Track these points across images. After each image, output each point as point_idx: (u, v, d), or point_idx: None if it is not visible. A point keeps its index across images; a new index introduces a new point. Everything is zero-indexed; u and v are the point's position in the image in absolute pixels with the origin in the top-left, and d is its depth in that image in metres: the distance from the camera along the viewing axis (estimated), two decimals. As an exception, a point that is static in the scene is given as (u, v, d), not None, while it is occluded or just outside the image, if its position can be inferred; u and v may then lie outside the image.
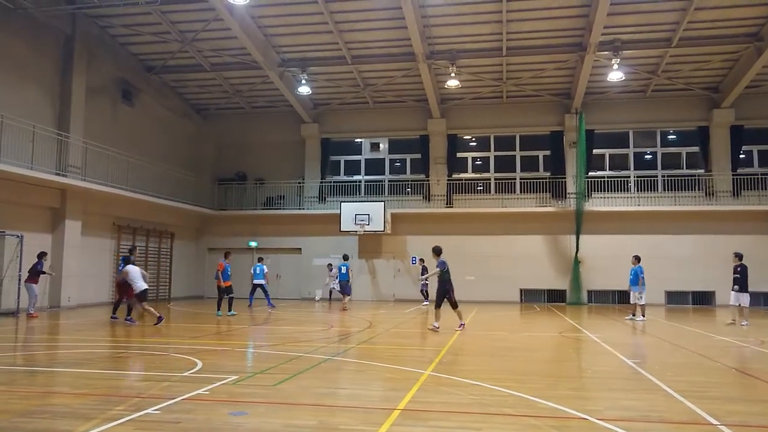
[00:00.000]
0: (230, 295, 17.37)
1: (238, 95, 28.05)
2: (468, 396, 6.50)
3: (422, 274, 23.33)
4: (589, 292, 25.72)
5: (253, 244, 28.07)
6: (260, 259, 21.80)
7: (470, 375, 7.70)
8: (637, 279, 16.85)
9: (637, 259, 17.15)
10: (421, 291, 23.66)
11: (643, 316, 16.98)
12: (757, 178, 25.23)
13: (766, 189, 25.07)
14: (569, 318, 18.16)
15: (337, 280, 22.01)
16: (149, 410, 5.61)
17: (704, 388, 7.14)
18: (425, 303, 23.17)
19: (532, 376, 8.05)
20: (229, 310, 17.25)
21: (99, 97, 22.42)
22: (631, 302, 17.33)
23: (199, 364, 8.33)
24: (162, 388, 6.71)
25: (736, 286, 15.47)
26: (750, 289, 15.54)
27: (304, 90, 25.42)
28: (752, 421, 5.57)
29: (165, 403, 5.88)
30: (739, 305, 15.38)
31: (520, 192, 27.16)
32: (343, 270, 21.12)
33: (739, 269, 15.48)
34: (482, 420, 5.51)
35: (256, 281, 20.61)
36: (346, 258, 21.95)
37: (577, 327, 15.33)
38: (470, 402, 6.24)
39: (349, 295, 21.20)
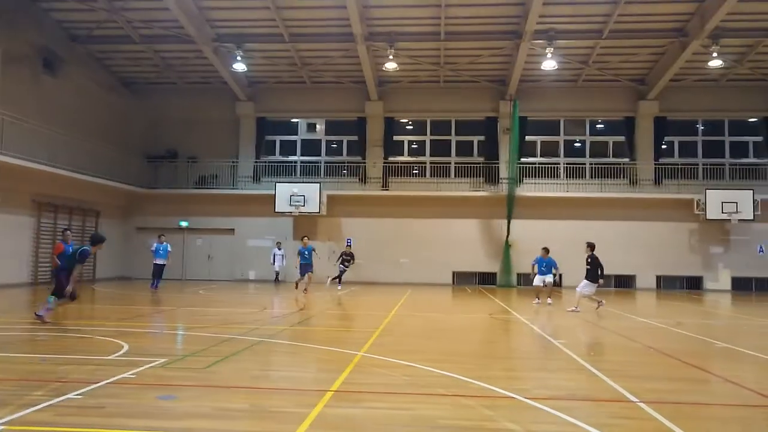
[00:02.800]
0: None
1: (169, 69, 27.04)
2: (401, 377, 6.56)
3: (341, 260, 21.97)
4: (519, 275, 26.43)
5: (183, 224, 27.35)
6: (161, 237, 20.60)
7: (404, 356, 7.77)
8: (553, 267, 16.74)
9: (545, 251, 17.01)
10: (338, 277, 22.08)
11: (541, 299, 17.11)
12: (678, 168, 26.58)
13: (685, 178, 26.45)
14: (499, 300, 18.63)
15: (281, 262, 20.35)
16: (70, 395, 5.38)
17: (625, 368, 7.48)
18: (338, 287, 21.82)
19: (464, 356, 8.20)
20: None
21: (17, 65, 21.06)
22: (536, 285, 16.98)
23: (126, 347, 8.05)
24: (85, 372, 6.44)
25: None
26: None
27: (240, 67, 24.78)
28: (668, 398, 5.87)
29: (88, 388, 5.65)
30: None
31: (455, 176, 27.53)
32: (306, 254, 19.50)
33: (589, 260, 14.85)
34: (415, 400, 5.58)
35: (159, 261, 19.83)
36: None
37: (507, 309, 15.75)
38: (403, 383, 6.30)
39: (301, 277, 19.64)
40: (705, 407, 5.62)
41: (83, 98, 24.97)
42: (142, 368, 6.62)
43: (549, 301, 16.80)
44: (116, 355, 7.52)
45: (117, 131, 27.10)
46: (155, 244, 20.29)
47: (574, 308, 14.77)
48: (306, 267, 19.29)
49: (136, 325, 10.88)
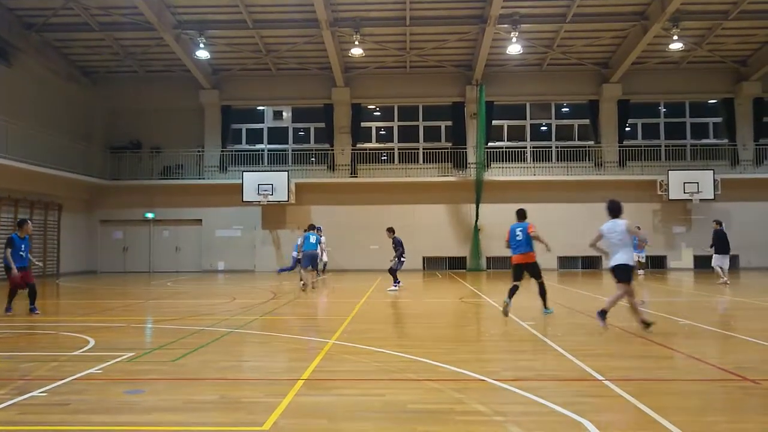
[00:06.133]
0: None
1: (130, 58, 26.42)
2: (372, 363, 6.59)
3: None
4: (488, 259, 26.72)
5: (149, 215, 26.92)
6: (314, 228, 17.46)
7: (374, 342, 7.80)
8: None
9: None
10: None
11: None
12: (641, 149, 27.10)
13: (648, 160, 26.99)
14: (469, 284, 18.81)
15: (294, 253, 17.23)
16: (35, 393, 5.28)
17: (591, 347, 7.62)
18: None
19: (434, 341, 8.27)
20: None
21: (-30, 55, 20.38)
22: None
23: (92, 342, 7.91)
24: (49, 369, 6.32)
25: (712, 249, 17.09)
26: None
27: (203, 54, 24.34)
28: (633, 375, 6.02)
29: (53, 385, 5.55)
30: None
31: (423, 162, 27.60)
32: (312, 240, 16.60)
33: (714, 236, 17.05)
34: (386, 386, 5.61)
35: (301, 254, 16.86)
36: (312, 228, 17.35)
37: (477, 293, 15.91)
38: (374, 369, 6.33)
39: (314, 270, 17.35)
40: (668, 383, 5.77)
41: (41, 88, 24.26)
42: (108, 363, 6.52)
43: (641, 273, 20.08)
44: (82, 350, 7.39)
45: (77, 122, 26.43)
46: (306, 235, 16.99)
47: (724, 280, 16.39)
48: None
49: (102, 319, 10.70)
